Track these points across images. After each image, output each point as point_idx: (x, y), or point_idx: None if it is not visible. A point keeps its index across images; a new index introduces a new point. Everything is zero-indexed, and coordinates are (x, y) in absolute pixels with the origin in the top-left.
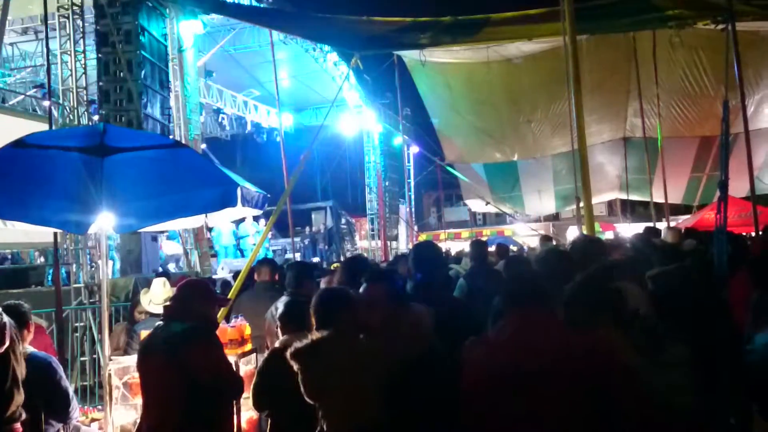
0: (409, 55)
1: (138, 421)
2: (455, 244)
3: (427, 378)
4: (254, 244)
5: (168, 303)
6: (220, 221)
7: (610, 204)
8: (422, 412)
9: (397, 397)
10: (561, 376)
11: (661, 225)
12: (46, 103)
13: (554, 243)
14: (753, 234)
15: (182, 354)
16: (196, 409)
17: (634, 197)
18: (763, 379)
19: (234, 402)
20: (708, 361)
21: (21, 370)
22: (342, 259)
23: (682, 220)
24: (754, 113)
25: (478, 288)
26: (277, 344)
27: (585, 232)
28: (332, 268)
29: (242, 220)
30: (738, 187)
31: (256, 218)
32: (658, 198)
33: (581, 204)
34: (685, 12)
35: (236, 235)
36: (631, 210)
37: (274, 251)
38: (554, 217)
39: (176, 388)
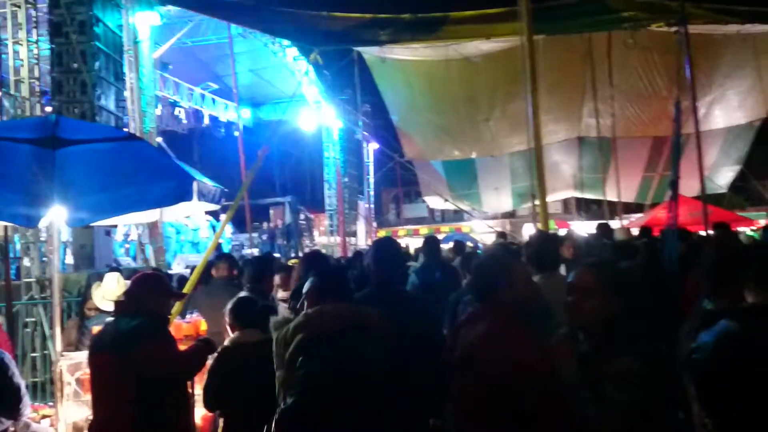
0: (369, 52)
1: (89, 417)
2: (414, 240)
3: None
4: (207, 238)
5: (120, 298)
6: (179, 216)
7: (565, 202)
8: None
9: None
10: (485, 367)
11: (614, 223)
12: None
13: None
14: (710, 232)
15: (132, 351)
16: (147, 406)
17: (589, 195)
18: (706, 378)
19: (189, 399)
20: (659, 358)
21: None
22: (300, 254)
23: (635, 219)
24: (705, 114)
25: (430, 283)
26: (227, 342)
27: (540, 229)
28: (290, 264)
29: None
30: (689, 187)
31: (209, 213)
32: (612, 196)
33: (537, 201)
34: (640, 14)
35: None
36: (586, 208)
37: (231, 246)
38: (511, 215)
39: (126, 386)
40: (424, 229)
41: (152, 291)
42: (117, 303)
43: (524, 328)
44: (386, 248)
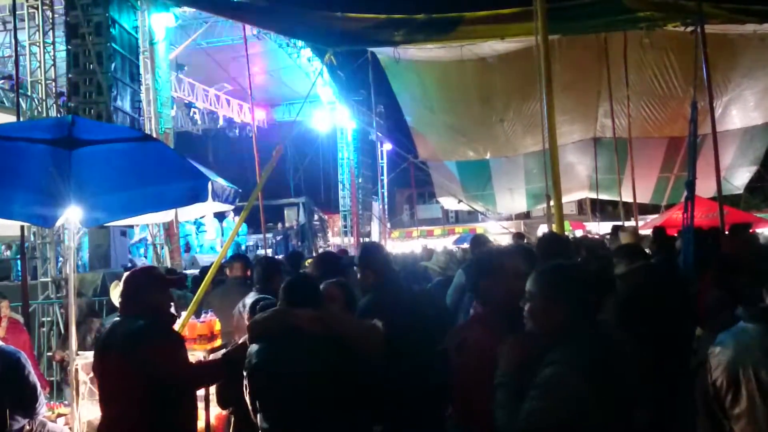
0: (384, 53)
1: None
2: (428, 241)
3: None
4: (213, 239)
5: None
6: (196, 215)
7: (580, 203)
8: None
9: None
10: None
11: (631, 224)
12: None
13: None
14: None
15: (137, 351)
16: (155, 407)
17: (604, 197)
18: (723, 381)
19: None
20: (668, 364)
21: None
22: (314, 255)
23: (651, 219)
24: (721, 115)
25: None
26: (242, 340)
27: (555, 230)
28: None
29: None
30: (705, 187)
31: (217, 215)
32: (627, 197)
33: (551, 203)
34: (656, 14)
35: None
36: (601, 209)
37: (245, 247)
38: (525, 216)
39: (133, 386)
40: (437, 230)
41: (146, 286)
42: (121, 304)
43: (484, 323)
44: (374, 251)
